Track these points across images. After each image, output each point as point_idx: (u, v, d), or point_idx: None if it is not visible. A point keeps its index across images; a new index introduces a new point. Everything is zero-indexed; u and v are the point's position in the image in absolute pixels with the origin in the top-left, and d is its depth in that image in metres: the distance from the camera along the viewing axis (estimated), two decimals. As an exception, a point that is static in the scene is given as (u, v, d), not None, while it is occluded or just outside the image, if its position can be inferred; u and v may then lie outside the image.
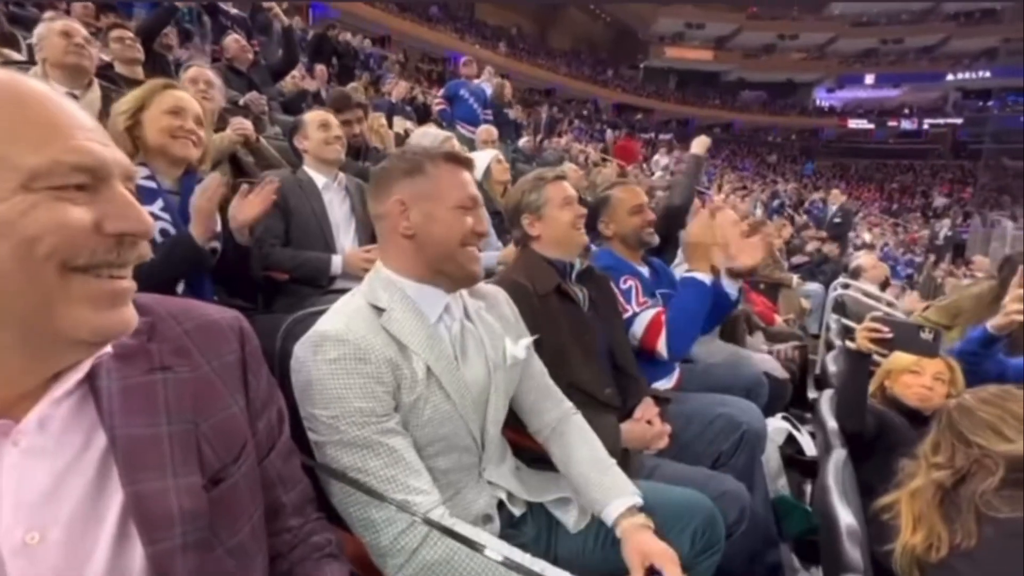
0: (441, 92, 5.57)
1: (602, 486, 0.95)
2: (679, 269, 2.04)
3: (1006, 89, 25.69)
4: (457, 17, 24.01)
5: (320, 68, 5.18)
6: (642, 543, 0.87)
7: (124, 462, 0.48)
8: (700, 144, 2.53)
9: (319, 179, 1.86)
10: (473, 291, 1.02)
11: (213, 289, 1.42)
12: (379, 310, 0.86)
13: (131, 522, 0.47)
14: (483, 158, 2.47)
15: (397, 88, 5.07)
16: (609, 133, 13.61)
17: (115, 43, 2.65)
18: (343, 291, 1.64)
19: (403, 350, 0.84)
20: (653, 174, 8.52)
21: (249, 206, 1.41)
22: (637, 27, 29.57)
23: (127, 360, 0.52)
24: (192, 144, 1.38)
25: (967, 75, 26.44)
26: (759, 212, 7.97)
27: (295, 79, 4.46)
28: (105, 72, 2.50)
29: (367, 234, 1.90)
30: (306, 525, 0.65)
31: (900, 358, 1.74)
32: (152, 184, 1.33)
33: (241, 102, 3.06)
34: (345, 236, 1.85)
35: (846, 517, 1.00)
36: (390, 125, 3.80)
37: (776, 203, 9.60)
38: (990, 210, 16.60)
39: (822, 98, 30.66)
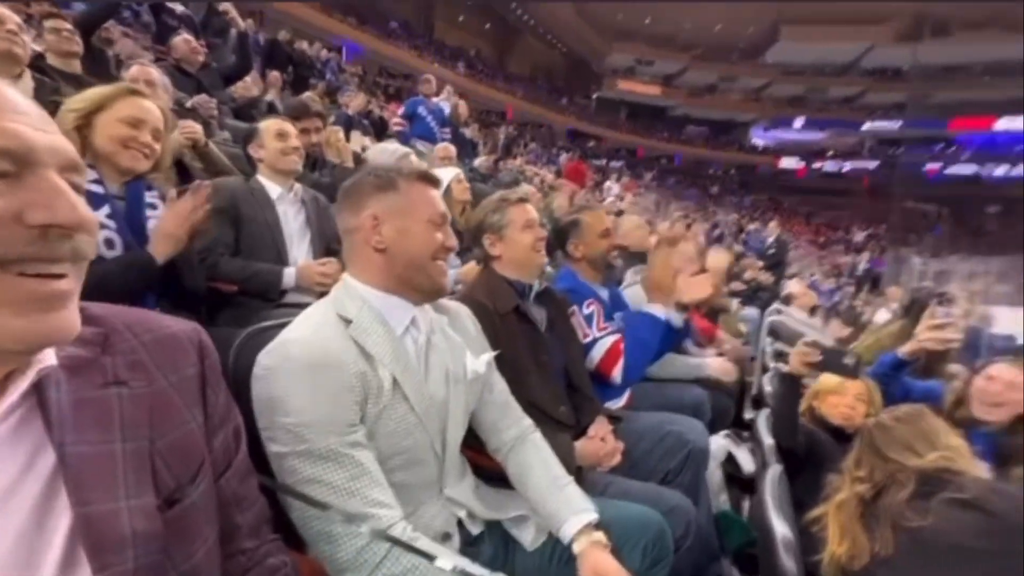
0: (400, 111, 5.58)
1: (559, 503, 0.97)
2: (628, 291, 2.13)
3: (912, 139, 28.74)
4: (416, 35, 24.15)
5: (274, 75, 5.05)
6: (598, 563, 0.89)
7: (74, 481, 0.45)
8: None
9: (273, 189, 1.81)
10: (437, 306, 1.03)
11: (156, 300, 1.34)
12: (347, 320, 0.87)
13: (79, 546, 0.44)
14: (443, 176, 2.48)
15: (355, 101, 5.01)
16: (563, 157, 14.02)
17: (51, 34, 2.49)
18: (295, 305, 1.61)
19: (370, 360, 0.84)
20: (604, 199, 8.85)
21: (174, 217, 1.27)
22: (591, 59, 30.88)
23: (79, 373, 0.49)
24: (143, 157, 1.31)
25: (880, 124, 29.34)
26: (701, 239, 8.43)
27: (246, 84, 4.32)
28: (37, 63, 2.34)
29: (322, 247, 1.86)
30: (261, 547, 0.63)
31: (826, 380, 1.90)
32: (99, 189, 1.25)
33: (189, 104, 2.93)
34: (298, 248, 1.80)
35: (781, 529, 1.08)
36: (347, 138, 3.75)
37: (717, 232, 10.18)
38: (900, 247, 18.32)
39: (758, 137, 33.02)
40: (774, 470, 1.29)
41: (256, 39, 5.91)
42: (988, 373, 1.74)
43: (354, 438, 0.79)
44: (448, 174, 2.50)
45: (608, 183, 10.46)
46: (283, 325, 0.87)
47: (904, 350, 1.91)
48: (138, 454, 0.50)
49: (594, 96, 31.79)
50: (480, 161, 6.02)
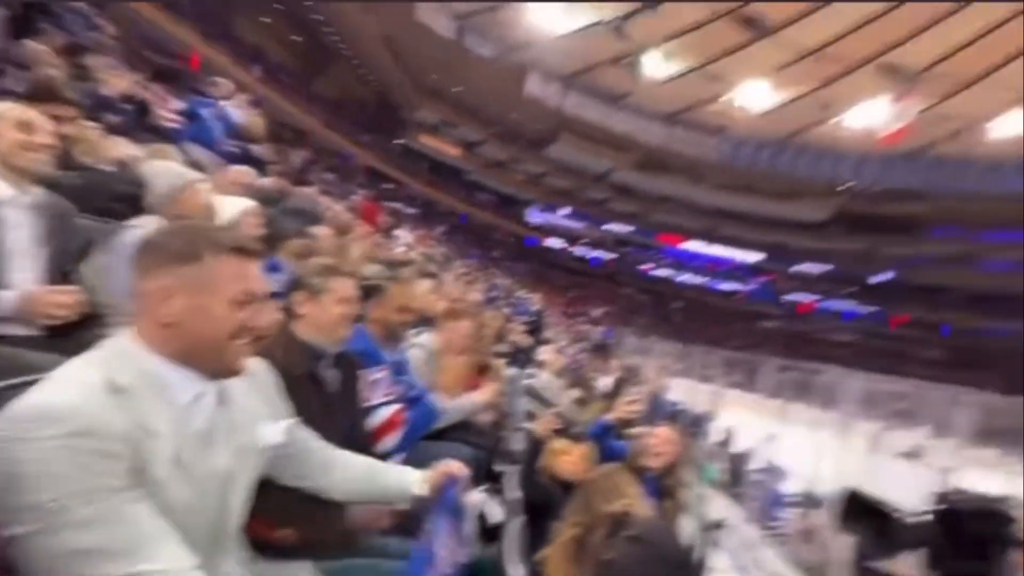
0: (179, 107, 4.83)
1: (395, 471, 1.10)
2: (410, 352, 2.28)
3: (640, 244, 37.49)
4: (208, 16, 21.08)
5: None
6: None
7: None
8: None
9: (2, 188, 1.42)
10: None
11: None
12: (117, 389, 0.76)
13: None
14: (231, 207, 2.27)
15: (118, 81, 4.09)
16: (359, 194, 13.80)
17: None
18: (10, 339, 1.26)
19: (146, 433, 0.76)
20: (393, 248, 8.99)
21: None
22: (402, 106, 31.75)
23: None
24: None
25: (618, 227, 37.40)
26: (480, 296, 9.25)
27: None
28: None
29: (59, 271, 1.52)
30: None
31: (559, 443, 2.37)
32: None
33: None
34: (22, 268, 1.43)
35: (516, 572, 1.31)
36: (93, 120, 3.05)
37: (493, 293, 11.30)
38: (622, 325, 23.22)
39: (534, 216, 38.28)
40: (516, 521, 1.56)
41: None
42: (653, 432, 2.45)
43: (130, 495, 0.71)
44: (237, 205, 2.31)
45: (400, 231, 10.69)
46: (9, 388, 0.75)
47: (607, 417, 2.59)
48: None
49: (400, 142, 32.50)
50: (269, 182, 5.54)
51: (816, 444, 4.62)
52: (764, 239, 35.77)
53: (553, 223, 38.03)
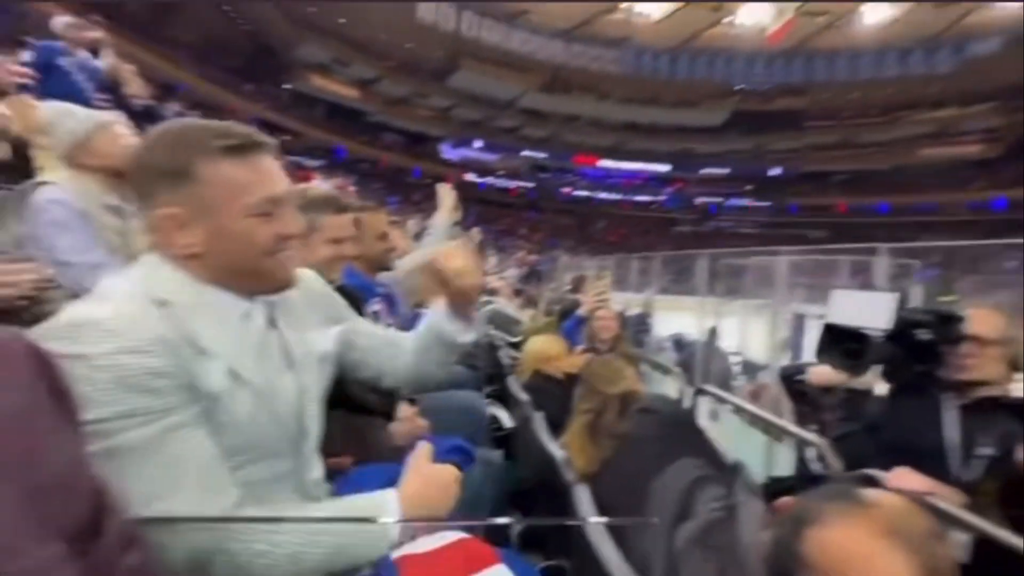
0: (26, 57, 4.01)
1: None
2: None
3: (557, 168, 37.72)
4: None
5: None
6: None
7: None
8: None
9: None
10: None
11: None
12: (162, 302, 0.70)
13: None
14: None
15: None
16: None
17: None
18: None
19: (196, 349, 0.71)
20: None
21: None
22: (279, 46, 28.39)
23: None
24: None
25: (533, 153, 37.21)
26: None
27: None
28: None
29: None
30: None
31: (544, 349, 2.51)
32: None
33: None
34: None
35: (560, 453, 1.42)
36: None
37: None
38: (552, 248, 23.84)
39: (447, 152, 36.98)
40: (539, 416, 1.65)
41: None
42: (597, 315, 2.75)
43: (177, 419, 0.67)
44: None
45: (316, 182, 9.96)
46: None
47: (582, 311, 2.84)
48: (17, 497, 0.37)
49: (287, 87, 29.37)
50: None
51: (751, 327, 5.21)
52: (671, 148, 37.31)
53: (469, 157, 37.08)
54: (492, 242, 27.43)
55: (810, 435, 1.75)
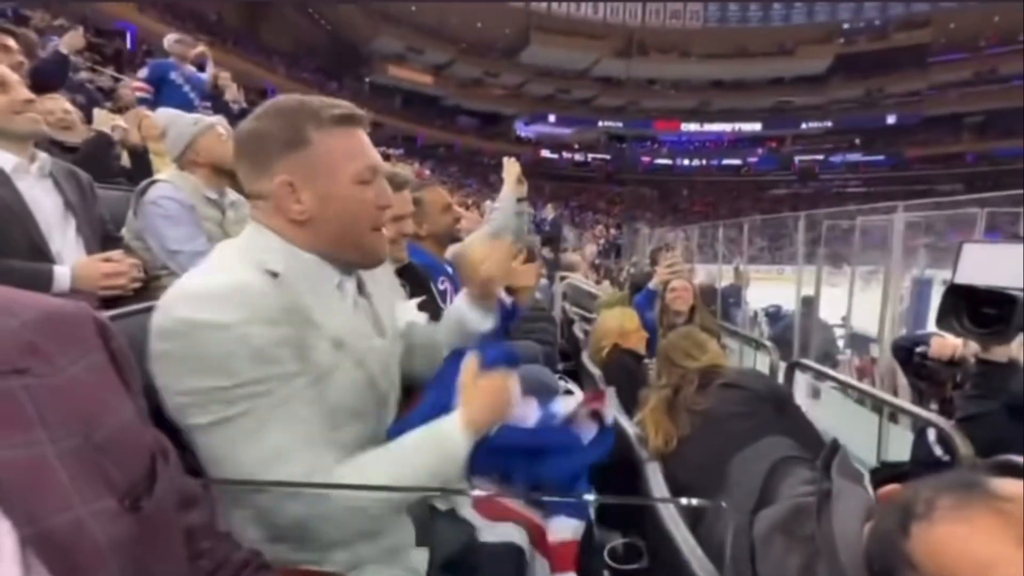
0: (142, 74, 4.51)
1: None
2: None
3: (636, 136, 36.07)
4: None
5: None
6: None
7: (7, 495, 0.34)
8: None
9: (3, 158, 1.30)
10: None
11: None
12: (272, 273, 0.72)
13: (37, 572, 0.35)
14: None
15: (72, 38, 3.40)
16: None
17: None
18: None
19: (306, 318, 0.73)
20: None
21: None
22: (358, 41, 29.64)
23: None
24: None
25: (609, 123, 35.85)
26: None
27: None
28: None
29: (95, 238, 1.47)
30: (220, 544, 0.54)
31: (627, 323, 2.41)
32: None
33: None
34: (62, 240, 1.38)
35: (633, 430, 1.36)
36: (36, 90, 2.81)
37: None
38: (632, 221, 22.97)
39: (522, 130, 36.74)
40: (610, 390, 1.59)
41: None
42: (672, 287, 2.57)
43: (294, 387, 0.70)
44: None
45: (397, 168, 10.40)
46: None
47: (652, 283, 2.67)
48: (76, 453, 0.39)
49: (367, 80, 30.71)
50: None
51: (859, 297, 4.62)
52: (762, 104, 34.09)
53: (543, 133, 36.58)
54: (568, 218, 27.10)
55: (931, 414, 1.53)
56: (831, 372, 1.90)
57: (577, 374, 2.39)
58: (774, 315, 5.55)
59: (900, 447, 2.15)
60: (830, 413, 3.57)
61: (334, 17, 27.68)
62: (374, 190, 0.81)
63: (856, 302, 4.78)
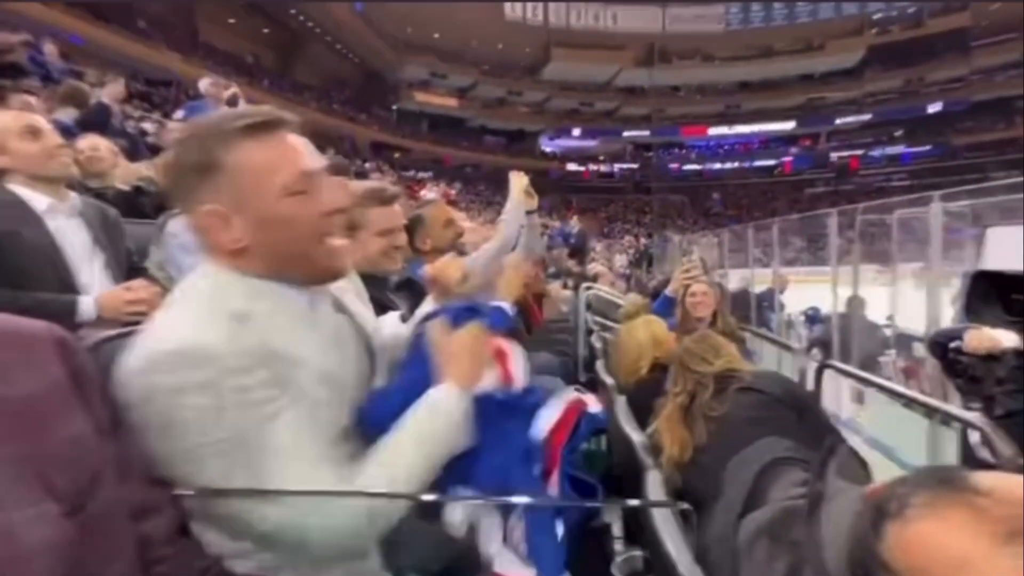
0: (179, 115, 4.81)
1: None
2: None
3: (663, 144, 35.70)
4: (175, 36, 20.78)
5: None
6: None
7: None
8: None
9: (38, 200, 1.43)
10: None
11: None
12: (242, 317, 0.67)
13: None
14: None
15: (114, 87, 3.75)
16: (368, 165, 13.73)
17: None
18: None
19: (279, 355, 0.68)
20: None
21: None
22: (384, 71, 30.73)
23: None
24: None
25: (634, 132, 35.60)
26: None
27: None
28: None
29: (120, 270, 1.56)
30: (181, 552, 0.56)
31: (660, 332, 2.36)
32: None
33: None
34: (89, 274, 1.47)
35: (637, 437, 1.31)
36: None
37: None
38: (663, 229, 22.61)
39: (546, 145, 36.98)
40: (621, 400, 1.55)
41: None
42: (690, 291, 2.51)
43: (274, 407, 0.66)
44: None
45: (424, 192, 10.66)
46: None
47: (669, 290, 2.62)
48: (18, 461, 0.42)
49: (394, 107, 31.73)
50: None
51: (904, 294, 4.35)
52: (793, 103, 33.20)
53: (568, 147, 36.70)
54: (597, 230, 26.90)
55: (971, 415, 1.42)
56: (863, 374, 1.79)
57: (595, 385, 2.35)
58: (813, 317, 5.31)
59: (953, 450, 2.00)
60: (877, 418, 3.36)
61: (361, 50, 28.83)
62: (312, 197, 0.72)
63: (904, 301, 4.51)
